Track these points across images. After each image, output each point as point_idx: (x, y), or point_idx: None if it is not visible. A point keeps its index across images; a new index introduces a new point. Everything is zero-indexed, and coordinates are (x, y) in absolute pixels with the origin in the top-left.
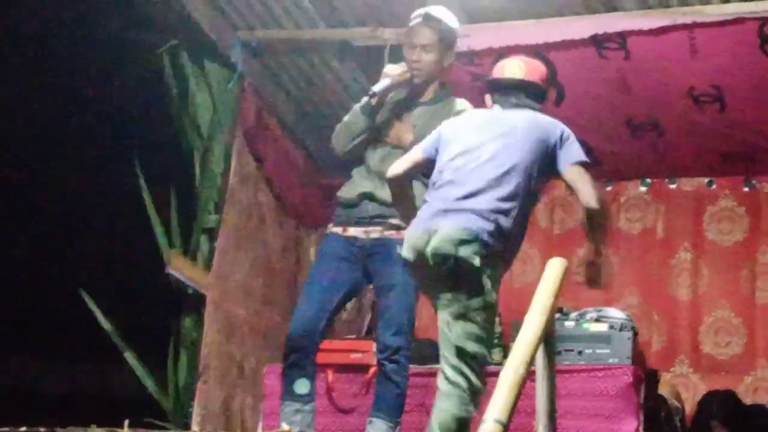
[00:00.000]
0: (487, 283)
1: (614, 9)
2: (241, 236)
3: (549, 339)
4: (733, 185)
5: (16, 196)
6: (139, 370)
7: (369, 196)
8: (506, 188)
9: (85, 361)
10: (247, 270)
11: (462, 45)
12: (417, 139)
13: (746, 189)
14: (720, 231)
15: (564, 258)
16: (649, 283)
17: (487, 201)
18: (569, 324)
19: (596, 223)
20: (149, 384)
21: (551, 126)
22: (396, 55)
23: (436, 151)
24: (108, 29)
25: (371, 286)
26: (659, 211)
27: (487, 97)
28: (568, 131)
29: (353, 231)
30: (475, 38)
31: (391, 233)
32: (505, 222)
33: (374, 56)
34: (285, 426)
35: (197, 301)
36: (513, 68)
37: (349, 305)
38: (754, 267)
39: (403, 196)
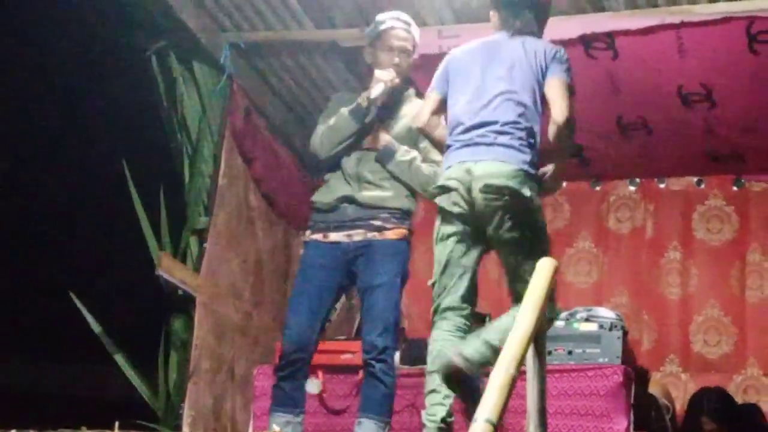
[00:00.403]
0: (538, 212)
1: (602, 9)
2: (230, 237)
3: (539, 338)
4: (722, 184)
5: (3, 199)
6: (130, 372)
7: (349, 200)
8: (524, 122)
9: (75, 362)
10: (236, 271)
11: (451, 45)
12: (392, 137)
13: (735, 188)
14: (709, 230)
15: (553, 258)
16: (638, 282)
17: (513, 136)
18: (559, 324)
19: (560, 141)
20: (139, 386)
21: (548, 48)
22: None
23: (448, 84)
24: (96, 31)
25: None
26: (648, 210)
27: (493, 15)
28: (562, 52)
29: (334, 236)
30: (464, 38)
31: (374, 235)
32: (533, 153)
33: (362, 57)
34: (276, 427)
35: (187, 303)
36: None
37: (338, 305)
38: (743, 266)
39: (440, 141)
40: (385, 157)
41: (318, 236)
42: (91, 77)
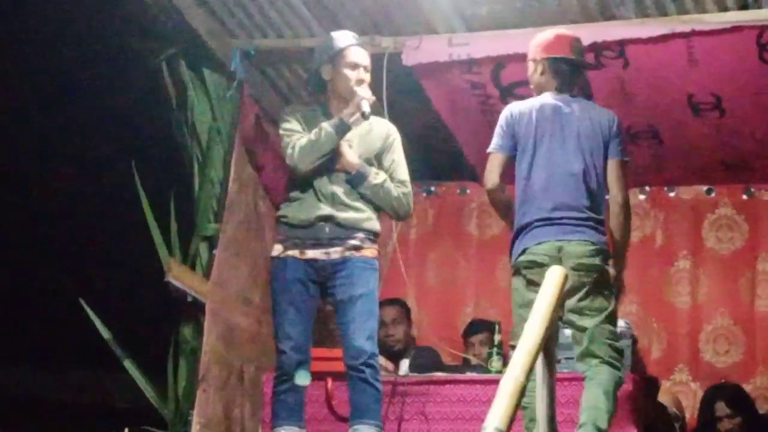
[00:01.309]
0: (613, 282)
1: (612, 17)
2: (240, 244)
3: (549, 347)
4: (732, 193)
5: (14, 206)
6: (139, 379)
7: (327, 218)
8: (598, 202)
9: (84, 369)
10: (246, 278)
11: (461, 53)
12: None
13: (745, 197)
14: (719, 239)
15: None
16: (648, 291)
17: (592, 219)
18: (568, 332)
19: (619, 221)
20: (149, 392)
21: (610, 120)
22: (394, 64)
23: (515, 146)
24: (106, 38)
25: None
26: (658, 219)
27: (545, 79)
28: (618, 124)
29: (312, 253)
30: (474, 46)
31: (351, 253)
32: (604, 228)
33: (372, 64)
34: None
35: (196, 309)
36: (570, 46)
37: None
38: (753, 275)
39: (506, 204)
40: (357, 180)
41: (294, 252)
42: (102, 84)
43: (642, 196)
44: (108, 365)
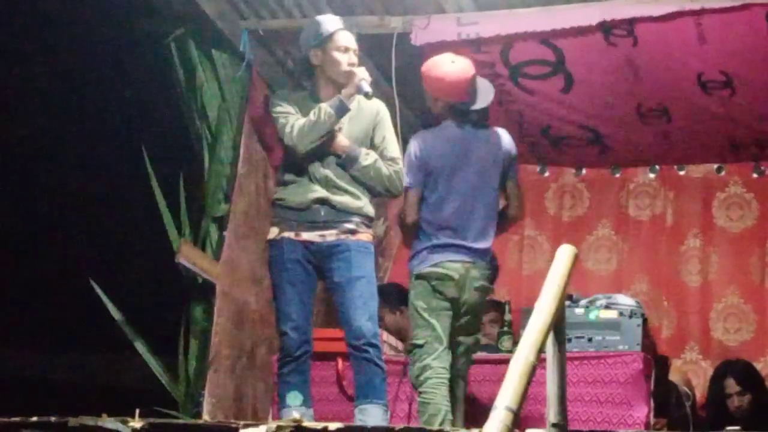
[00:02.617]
0: None
1: None
2: (250, 224)
3: (559, 326)
4: (742, 171)
5: (24, 187)
6: (150, 360)
7: (322, 201)
8: (491, 228)
9: (95, 351)
10: (256, 258)
11: (470, 33)
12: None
13: (755, 175)
14: (729, 217)
15: (573, 245)
16: (658, 269)
17: (489, 243)
18: (579, 311)
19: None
20: (160, 373)
21: (510, 146)
22: (403, 44)
23: (426, 181)
24: (115, 19)
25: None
26: (668, 197)
27: (445, 111)
28: (514, 144)
29: (307, 236)
30: (483, 26)
31: (347, 236)
32: None
33: (382, 45)
34: (296, 414)
35: (207, 290)
36: (466, 90)
37: None
38: (763, 253)
39: (414, 232)
40: (348, 162)
41: (290, 234)
42: (110, 66)
43: (652, 175)
44: (119, 347)
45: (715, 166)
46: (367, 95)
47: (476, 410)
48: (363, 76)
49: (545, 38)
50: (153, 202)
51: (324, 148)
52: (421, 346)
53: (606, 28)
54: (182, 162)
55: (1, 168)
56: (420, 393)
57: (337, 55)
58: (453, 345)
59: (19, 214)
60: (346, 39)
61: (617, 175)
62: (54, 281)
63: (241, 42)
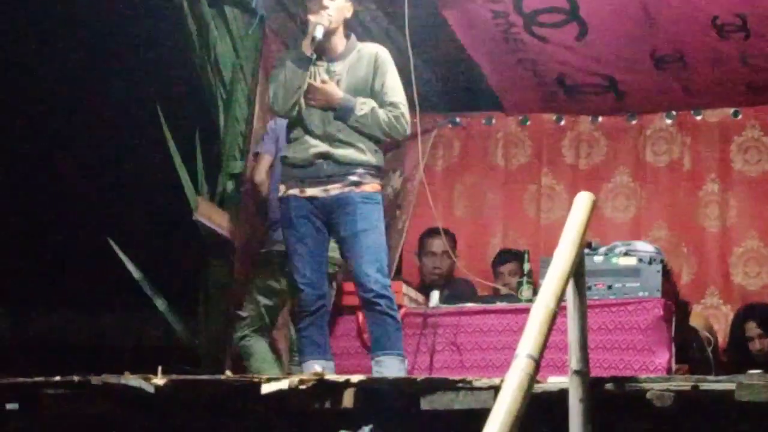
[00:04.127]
0: None
1: None
2: None
3: (579, 273)
4: (758, 115)
5: (40, 148)
6: (171, 317)
7: (325, 156)
8: None
9: (115, 310)
10: None
11: None
12: (347, 94)
13: None
14: (747, 161)
15: (591, 193)
16: (677, 215)
17: None
18: (598, 259)
19: None
20: (180, 331)
21: None
22: None
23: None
24: None
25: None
26: (685, 143)
27: None
28: None
29: (311, 191)
30: None
31: (351, 188)
32: None
33: None
34: (318, 367)
35: (225, 247)
36: None
37: None
38: None
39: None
40: (344, 114)
41: (295, 191)
42: (122, 25)
43: (669, 121)
44: (138, 305)
45: (732, 110)
46: (314, 40)
47: (498, 359)
48: (318, 21)
49: None
50: (169, 161)
51: (320, 103)
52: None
53: None
54: (197, 120)
55: (15, 128)
56: None
57: (310, 4)
58: None
59: (35, 176)
60: None
61: (633, 122)
62: (71, 241)
63: None
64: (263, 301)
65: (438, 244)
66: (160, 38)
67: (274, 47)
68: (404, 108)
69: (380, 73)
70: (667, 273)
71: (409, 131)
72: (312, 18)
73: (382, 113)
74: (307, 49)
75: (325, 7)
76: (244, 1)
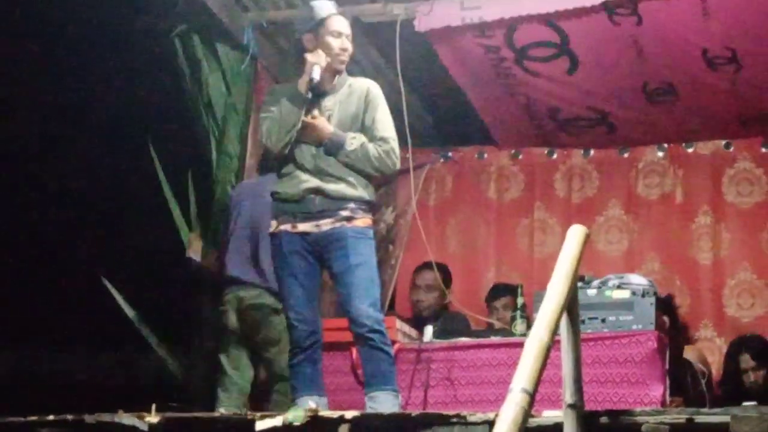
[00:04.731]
0: None
1: None
2: None
3: (572, 307)
4: (750, 147)
5: (32, 187)
6: (164, 355)
7: (315, 191)
8: None
9: (108, 349)
10: None
11: (473, 17)
12: (337, 128)
13: (764, 150)
14: (739, 193)
15: (584, 226)
16: (670, 248)
17: None
18: (591, 292)
19: None
20: (174, 369)
21: None
22: (407, 32)
23: None
24: (118, 16)
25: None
26: (677, 175)
27: None
28: None
29: (303, 227)
30: (486, 10)
31: (343, 224)
32: None
33: (385, 32)
34: (311, 404)
35: (218, 284)
36: None
37: None
38: None
39: None
40: (334, 149)
41: (286, 226)
42: (114, 63)
43: (660, 153)
44: (132, 343)
45: (724, 142)
46: (311, 82)
47: (492, 394)
48: (315, 61)
49: (549, 20)
50: (162, 198)
51: (310, 139)
52: None
53: (609, 7)
54: (189, 157)
55: (8, 168)
56: None
57: (329, 39)
58: None
59: (27, 214)
60: (339, 24)
61: (625, 155)
62: (65, 280)
63: (245, 35)
64: None
65: (425, 278)
66: (151, 75)
67: (265, 84)
68: (394, 143)
69: (371, 107)
70: (670, 305)
71: (398, 166)
72: (309, 58)
73: (372, 148)
74: (303, 88)
75: (344, 49)
76: (235, 38)
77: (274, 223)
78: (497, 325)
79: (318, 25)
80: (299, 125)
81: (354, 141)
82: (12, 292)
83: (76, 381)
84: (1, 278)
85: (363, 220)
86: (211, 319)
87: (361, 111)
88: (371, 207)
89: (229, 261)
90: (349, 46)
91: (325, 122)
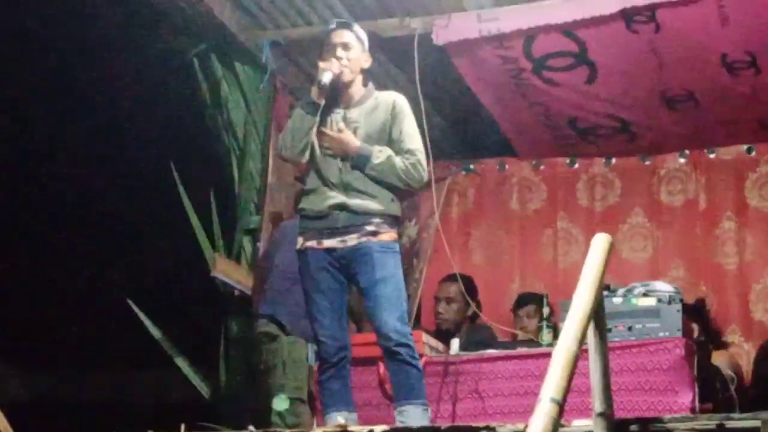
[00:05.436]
0: None
1: None
2: None
3: (598, 315)
4: None
5: (58, 210)
6: (191, 375)
7: (340, 207)
8: None
9: (136, 369)
10: None
11: (491, 29)
12: (364, 142)
13: None
14: (762, 197)
15: (608, 234)
16: (694, 254)
17: None
18: (617, 300)
19: None
20: (202, 388)
21: None
22: (425, 45)
23: None
24: (137, 37)
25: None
26: (700, 181)
27: None
28: None
29: (329, 243)
30: (504, 21)
31: (368, 238)
32: None
33: (403, 47)
34: (341, 419)
35: (244, 303)
36: None
37: None
38: None
39: None
40: (360, 162)
41: (312, 243)
42: (135, 84)
43: (682, 160)
44: (159, 363)
45: (745, 146)
46: (319, 84)
47: (520, 405)
48: (326, 67)
49: (567, 29)
50: (185, 218)
51: (336, 153)
52: None
53: (627, 15)
54: (212, 176)
55: (33, 190)
56: None
57: (329, 53)
58: None
59: (54, 238)
60: (336, 36)
61: (647, 163)
62: (91, 301)
63: (263, 53)
64: None
65: (446, 291)
66: (171, 96)
67: (285, 102)
68: (421, 155)
69: (398, 120)
70: (701, 311)
71: (426, 178)
72: (321, 64)
73: (398, 161)
74: (314, 94)
75: (339, 57)
76: (254, 57)
77: (300, 239)
78: (522, 335)
79: (324, 44)
80: (314, 131)
81: (381, 154)
82: (43, 316)
83: (105, 401)
84: (28, 301)
85: (389, 234)
86: (238, 338)
87: (388, 124)
88: (396, 221)
89: (265, 299)
90: (342, 54)
91: (351, 135)
